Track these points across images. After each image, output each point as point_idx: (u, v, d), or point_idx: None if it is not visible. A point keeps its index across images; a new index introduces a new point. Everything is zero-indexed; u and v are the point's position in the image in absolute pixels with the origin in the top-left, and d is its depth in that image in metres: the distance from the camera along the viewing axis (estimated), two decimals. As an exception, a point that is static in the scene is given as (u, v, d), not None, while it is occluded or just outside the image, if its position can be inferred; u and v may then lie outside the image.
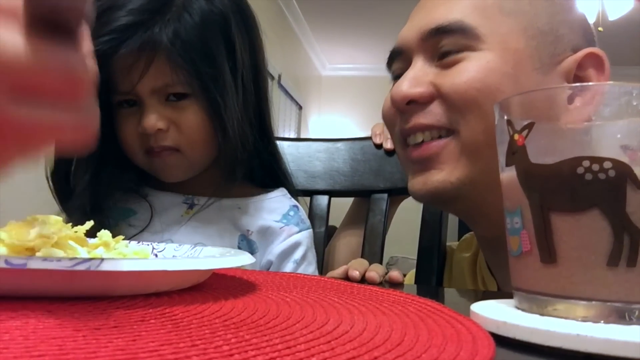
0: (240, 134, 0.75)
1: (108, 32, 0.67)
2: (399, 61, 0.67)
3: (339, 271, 0.66)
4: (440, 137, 0.61)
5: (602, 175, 0.30)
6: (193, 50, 0.71)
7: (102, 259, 0.28)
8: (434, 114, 0.61)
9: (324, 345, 0.22)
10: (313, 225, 0.88)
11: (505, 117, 0.36)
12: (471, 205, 0.66)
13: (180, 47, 0.70)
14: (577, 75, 0.59)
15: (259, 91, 0.81)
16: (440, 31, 0.60)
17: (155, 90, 0.72)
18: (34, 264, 0.27)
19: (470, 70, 0.59)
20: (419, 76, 0.62)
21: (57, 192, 0.78)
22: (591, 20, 3.86)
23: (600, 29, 3.87)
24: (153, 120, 0.72)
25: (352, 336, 0.24)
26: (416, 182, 0.63)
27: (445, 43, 0.60)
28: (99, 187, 0.76)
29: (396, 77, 0.67)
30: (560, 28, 0.61)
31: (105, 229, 0.72)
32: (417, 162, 0.63)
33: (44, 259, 0.27)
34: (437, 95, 0.61)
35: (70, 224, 0.41)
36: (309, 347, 0.22)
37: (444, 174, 0.61)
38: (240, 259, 0.38)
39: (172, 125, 0.73)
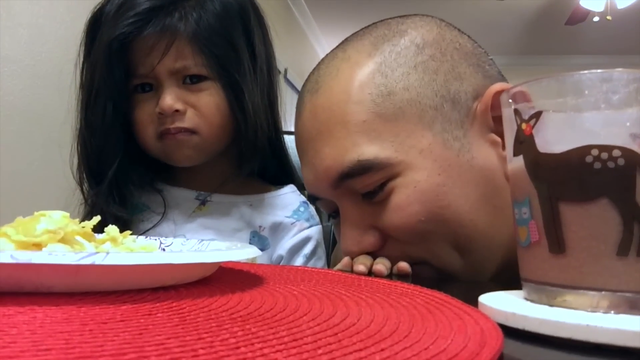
0: (258, 117, 0.77)
1: (132, 16, 0.70)
2: (322, 203, 0.62)
3: (342, 262, 0.66)
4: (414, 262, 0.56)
5: (611, 164, 0.30)
6: (214, 34, 0.73)
7: (107, 253, 0.28)
8: (395, 252, 0.56)
9: (330, 338, 0.22)
10: (319, 220, 0.88)
11: (513, 107, 0.35)
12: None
13: (202, 30, 0.73)
14: (499, 116, 0.48)
15: (272, 83, 0.82)
16: (346, 177, 0.55)
17: (173, 71, 0.73)
18: (39, 259, 0.27)
19: (405, 206, 0.53)
20: (357, 225, 0.56)
21: (88, 180, 0.79)
22: (599, 8, 3.83)
23: (608, 17, 3.84)
24: (170, 100, 0.72)
25: (359, 328, 0.24)
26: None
27: (359, 185, 0.55)
28: (123, 178, 0.77)
29: (330, 215, 0.63)
30: (450, 86, 0.55)
31: (123, 221, 0.74)
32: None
33: (49, 253, 0.27)
34: (387, 236, 0.56)
35: (78, 219, 0.41)
36: (316, 339, 0.22)
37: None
38: (245, 252, 0.38)
39: (189, 107, 0.74)
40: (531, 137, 0.33)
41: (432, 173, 0.53)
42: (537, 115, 0.33)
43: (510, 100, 0.36)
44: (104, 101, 0.74)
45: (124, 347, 0.19)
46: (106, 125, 0.75)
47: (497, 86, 0.55)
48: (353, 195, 0.57)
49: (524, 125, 0.34)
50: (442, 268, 0.56)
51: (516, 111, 0.35)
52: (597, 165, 0.30)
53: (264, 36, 0.82)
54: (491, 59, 0.61)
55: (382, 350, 0.20)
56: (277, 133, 0.85)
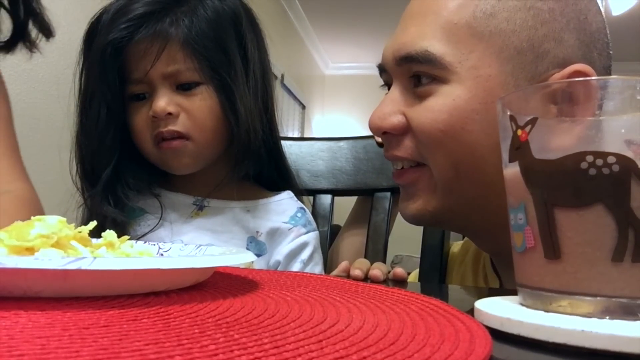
0: (251, 120, 0.77)
1: (125, 21, 0.72)
2: (386, 74, 0.66)
3: (340, 267, 0.66)
4: (418, 164, 0.61)
5: (606, 170, 0.30)
6: (206, 39, 0.74)
7: (94, 258, 0.28)
8: (406, 147, 0.61)
9: (313, 345, 0.22)
10: (316, 224, 0.88)
11: (509, 113, 0.35)
12: (456, 228, 0.68)
13: (193, 35, 0.74)
14: (566, 94, 0.52)
15: (267, 88, 0.82)
16: (409, 60, 0.59)
17: (166, 76, 0.74)
18: (25, 264, 0.27)
19: (435, 110, 0.57)
20: (394, 104, 0.61)
21: (83, 182, 0.79)
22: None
23: (604, 24, 3.85)
24: (163, 103, 0.73)
25: (345, 335, 0.24)
26: (401, 207, 0.64)
27: (416, 71, 0.59)
28: (118, 182, 0.78)
29: (384, 84, 0.68)
30: (545, 42, 0.55)
31: (120, 224, 0.74)
32: (400, 186, 0.64)
33: (36, 258, 0.27)
34: (409, 128, 0.60)
35: (73, 224, 0.40)
36: (298, 346, 0.21)
37: (421, 203, 0.61)
38: (237, 258, 0.38)
39: (182, 111, 0.75)
40: (527, 143, 0.33)
41: (475, 99, 0.56)
42: (533, 121, 0.33)
43: (504, 107, 0.36)
44: (98, 105, 0.75)
45: (100, 352, 0.19)
46: (100, 129, 0.76)
47: (579, 66, 0.54)
48: (405, 80, 0.61)
49: (519, 132, 0.34)
50: (437, 176, 0.59)
51: (512, 117, 0.35)
52: (592, 171, 0.30)
53: (258, 41, 0.83)
54: (609, 52, 0.60)
55: (364, 358, 0.20)
56: (273, 137, 0.85)
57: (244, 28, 0.79)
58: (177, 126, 0.74)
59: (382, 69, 0.66)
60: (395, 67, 0.61)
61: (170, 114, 0.74)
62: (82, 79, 0.78)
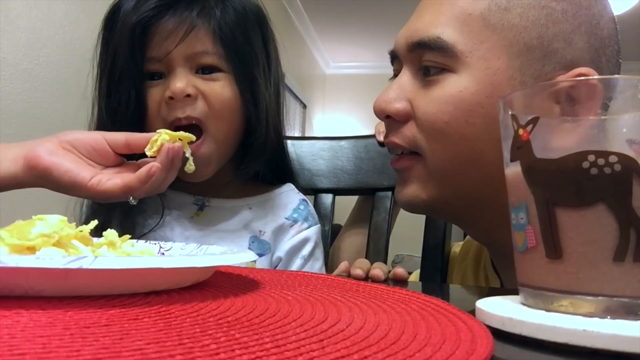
0: (270, 114, 0.77)
1: (155, 1, 0.71)
2: (397, 62, 0.66)
3: (340, 268, 0.66)
4: (415, 152, 0.61)
5: (607, 170, 0.30)
6: (234, 29, 0.74)
7: (95, 257, 0.28)
8: (405, 135, 0.61)
9: (315, 344, 0.22)
10: (318, 219, 0.88)
11: (510, 112, 0.35)
12: (451, 219, 0.68)
13: (222, 24, 0.74)
14: (569, 95, 0.53)
15: (279, 91, 0.83)
16: (421, 46, 0.59)
17: (189, 56, 0.73)
18: (26, 263, 0.27)
19: (442, 101, 0.57)
20: (401, 90, 0.61)
21: None
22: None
23: (605, 24, 3.85)
24: (182, 84, 0.71)
25: (346, 335, 0.24)
26: (396, 191, 0.65)
27: (426, 58, 0.59)
28: None
29: (394, 76, 0.68)
30: (554, 42, 0.55)
31: (122, 223, 0.73)
32: (396, 171, 0.65)
33: (37, 257, 0.27)
34: (413, 115, 0.60)
35: (74, 223, 0.40)
36: (299, 345, 0.21)
37: (415, 190, 0.62)
38: (239, 257, 0.38)
39: (200, 95, 0.73)
40: (528, 142, 0.33)
41: (481, 91, 0.56)
42: (534, 120, 0.33)
43: (506, 106, 0.36)
44: (128, 86, 0.73)
45: (101, 352, 0.19)
46: (131, 111, 0.73)
47: (584, 69, 0.55)
48: (415, 67, 0.61)
49: (521, 131, 0.34)
50: (432, 167, 0.60)
51: (513, 116, 0.35)
52: (594, 170, 0.30)
53: (275, 45, 0.84)
54: (618, 60, 0.61)
55: (366, 357, 0.20)
56: (280, 137, 0.84)
57: (268, 30, 0.80)
58: (195, 111, 0.72)
59: (393, 55, 0.66)
60: (407, 53, 0.62)
61: (188, 95, 0.71)
62: (105, 61, 0.76)
